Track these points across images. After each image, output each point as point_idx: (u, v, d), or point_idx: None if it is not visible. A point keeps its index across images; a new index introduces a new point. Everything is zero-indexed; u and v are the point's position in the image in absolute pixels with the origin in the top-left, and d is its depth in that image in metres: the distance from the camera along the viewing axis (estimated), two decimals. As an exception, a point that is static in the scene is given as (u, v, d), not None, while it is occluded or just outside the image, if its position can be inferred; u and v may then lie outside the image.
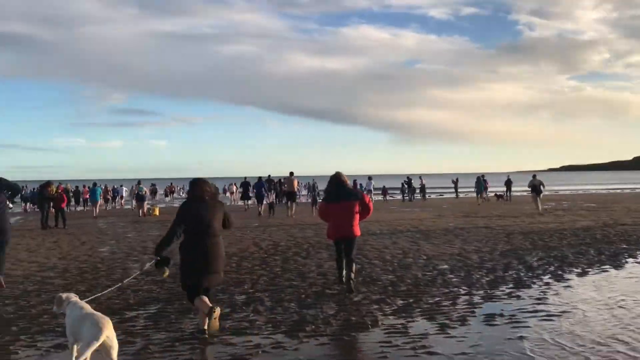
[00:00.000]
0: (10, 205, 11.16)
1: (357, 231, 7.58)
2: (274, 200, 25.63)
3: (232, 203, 37.78)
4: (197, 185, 5.68)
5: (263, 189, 24.50)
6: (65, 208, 20.52)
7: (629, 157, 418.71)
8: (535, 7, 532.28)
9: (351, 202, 7.51)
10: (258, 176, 25.51)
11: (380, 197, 39.12)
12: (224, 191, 43.70)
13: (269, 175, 29.40)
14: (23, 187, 37.61)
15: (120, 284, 6.34)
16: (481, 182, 32.23)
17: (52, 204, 19.56)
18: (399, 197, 38.75)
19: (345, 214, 7.48)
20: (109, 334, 4.05)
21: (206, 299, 5.41)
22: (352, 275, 7.34)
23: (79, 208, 33.87)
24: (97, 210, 26.46)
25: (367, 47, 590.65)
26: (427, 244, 12.28)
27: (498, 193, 34.24)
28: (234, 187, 40.69)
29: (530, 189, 23.90)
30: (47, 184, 20.39)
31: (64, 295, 4.53)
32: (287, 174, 23.78)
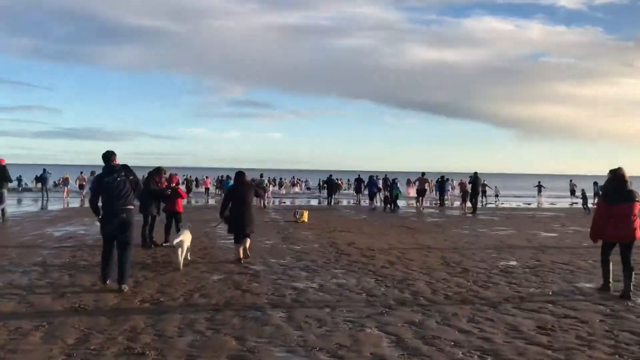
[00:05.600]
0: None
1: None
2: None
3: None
4: (241, 174, 10.03)
5: (375, 187, 27.68)
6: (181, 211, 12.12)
7: None
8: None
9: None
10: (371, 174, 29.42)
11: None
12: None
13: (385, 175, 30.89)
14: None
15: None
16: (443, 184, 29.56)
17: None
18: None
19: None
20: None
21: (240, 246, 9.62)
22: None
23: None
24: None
25: (489, 40, 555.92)
26: None
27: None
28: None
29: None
30: (157, 171, 11.96)
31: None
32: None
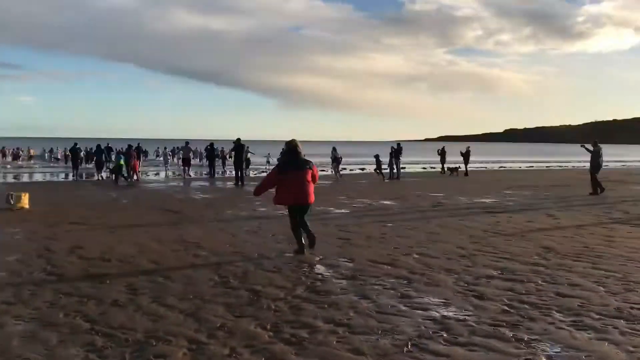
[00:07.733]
0: None
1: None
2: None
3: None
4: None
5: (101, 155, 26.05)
6: None
7: (500, 130, 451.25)
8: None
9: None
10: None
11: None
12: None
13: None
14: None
15: None
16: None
17: None
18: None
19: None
20: None
21: None
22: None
23: None
24: None
25: (254, 9, 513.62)
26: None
27: (451, 167, 29.41)
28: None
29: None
30: None
31: None
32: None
